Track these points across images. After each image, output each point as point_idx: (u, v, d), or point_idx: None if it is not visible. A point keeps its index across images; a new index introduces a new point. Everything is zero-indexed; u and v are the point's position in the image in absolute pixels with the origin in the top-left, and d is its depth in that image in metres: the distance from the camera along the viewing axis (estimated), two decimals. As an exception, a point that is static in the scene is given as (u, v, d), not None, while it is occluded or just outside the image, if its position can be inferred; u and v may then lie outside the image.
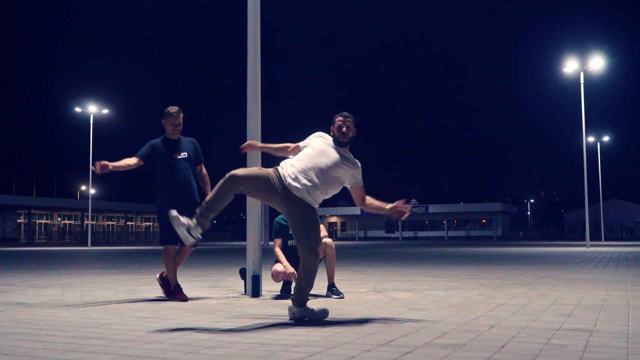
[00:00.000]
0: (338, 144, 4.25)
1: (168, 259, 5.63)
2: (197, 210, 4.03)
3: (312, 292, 6.14)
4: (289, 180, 4.08)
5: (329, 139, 4.31)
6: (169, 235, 5.51)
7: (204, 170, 5.91)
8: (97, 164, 5.24)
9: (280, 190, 4.07)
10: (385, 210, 4.26)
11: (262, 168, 4.25)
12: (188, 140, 5.84)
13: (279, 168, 4.19)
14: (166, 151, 5.66)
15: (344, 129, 4.26)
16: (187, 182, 5.65)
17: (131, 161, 5.61)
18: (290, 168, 4.13)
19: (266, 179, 4.06)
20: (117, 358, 2.87)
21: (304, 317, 4.10)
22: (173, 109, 5.75)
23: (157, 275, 5.87)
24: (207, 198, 4.05)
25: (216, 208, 4.00)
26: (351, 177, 4.25)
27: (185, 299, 5.47)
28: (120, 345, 3.18)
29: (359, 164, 4.31)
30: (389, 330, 3.69)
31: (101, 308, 4.97)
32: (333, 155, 4.19)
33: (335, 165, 4.15)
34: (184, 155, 5.71)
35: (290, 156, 4.40)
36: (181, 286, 5.68)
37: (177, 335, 3.50)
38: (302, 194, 4.07)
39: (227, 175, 3.96)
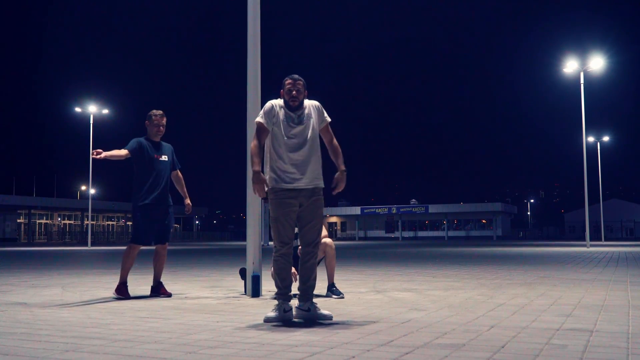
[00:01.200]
0: (289, 107, 4.19)
1: (128, 257, 5.75)
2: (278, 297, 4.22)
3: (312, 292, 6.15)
4: (289, 185, 4.11)
5: (275, 107, 4.23)
6: (141, 234, 5.71)
7: (180, 174, 6.09)
8: (95, 151, 5.48)
9: (297, 202, 4.14)
10: (338, 172, 4.25)
11: (279, 220, 4.17)
12: (167, 145, 6.00)
13: (271, 184, 4.16)
14: (150, 151, 5.78)
15: (294, 92, 4.17)
16: (165, 184, 5.81)
17: (121, 152, 5.73)
18: (277, 166, 4.15)
19: (289, 218, 4.14)
20: (117, 358, 2.87)
21: (309, 311, 4.10)
22: (158, 111, 5.90)
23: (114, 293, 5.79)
24: (276, 283, 4.25)
25: (287, 284, 4.21)
26: (315, 118, 4.25)
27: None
28: (120, 345, 3.18)
29: (315, 103, 4.28)
30: (389, 330, 3.69)
31: (101, 308, 4.97)
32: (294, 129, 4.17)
33: (305, 132, 4.16)
34: (165, 158, 5.87)
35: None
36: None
37: (177, 335, 3.50)
38: (309, 183, 4.14)
39: (278, 258, 4.18)
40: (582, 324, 3.86)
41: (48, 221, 64.65)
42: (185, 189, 6.11)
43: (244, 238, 15.09)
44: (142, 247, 5.93)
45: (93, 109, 36.31)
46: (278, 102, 4.26)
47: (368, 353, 2.95)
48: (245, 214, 6.33)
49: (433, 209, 72.37)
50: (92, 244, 38.71)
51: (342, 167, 4.26)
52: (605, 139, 48.52)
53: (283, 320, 4.01)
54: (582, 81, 26.72)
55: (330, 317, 4.11)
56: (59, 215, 65.99)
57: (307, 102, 4.29)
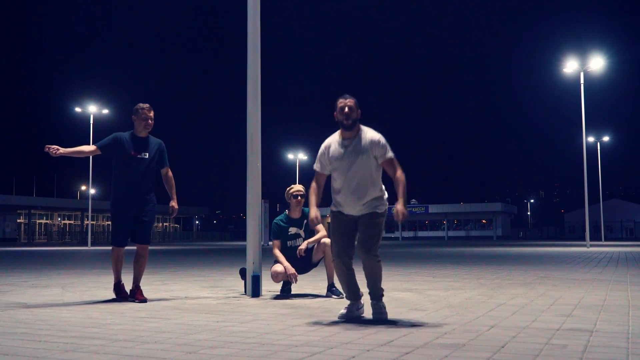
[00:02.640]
0: (343, 127, 4.23)
1: (113, 259, 5.64)
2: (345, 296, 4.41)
3: (312, 292, 6.15)
4: (348, 210, 4.24)
5: (331, 143, 4.30)
6: (119, 235, 5.53)
7: (170, 174, 5.76)
8: (47, 147, 5.25)
9: (353, 221, 4.25)
10: (397, 205, 4.22)
11: (336, 233, 4.31)
12: (155, 142, 5.67)
13: (333, 210, 4.34)
14: (127, 148, 5.50)
15: (346, 110, 4.20)
16: (140, 182, 5.49)
17: (86, 148, 5.56)
18: (335, 197, 4.29)
19: (347, 232, 4.25)
20: (117, 358, 2.87)
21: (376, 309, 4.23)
22: (145, 104, 5.61)
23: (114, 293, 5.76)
24: (342, 286, 4.37)
25: (353, 289, 4.30)
26: (375, 157, 4.22)
27: (145, 300, 5.46)
28: (120, 345, 3.18)
29: (375, 138, 4.22)
30: (389, 330, 3.69)
31: (101, 308, 4.97)
32: (347, 159, 4.19)
33: (357, 167, 4.17)
34: (144, 155, 5.54)
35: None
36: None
37: (177, 335, 3.50)
38: (367, 209, 4.20)
39: (339, 265, 4.25)
40: (582, 324, 3.86)
41: (48, 221, 64.64)
42: (173, 190, 5.74)
43: (244, 238, 15.08)
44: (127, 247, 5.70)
45: (93, 109, 36.30)
46: (331, 140, 4.33)
47: (368, 353, 2.95)
48: (245, 214, 6.33)
49: (433, 209, 72.36)
50: (92, 244, 38.70)
51: (402, 201, 4.19)
52: (605, 139, 48.51)
53: (352, 318, 4.22)
54: (582, 81, 26.72)
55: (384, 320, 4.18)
56: (59, 215, 65.97)
57: (365, 133, 4.25)
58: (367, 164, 4.16)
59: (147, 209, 5.56)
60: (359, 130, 4.25)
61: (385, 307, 4.25)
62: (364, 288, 4.28)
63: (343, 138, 4.24)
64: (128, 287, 5.81)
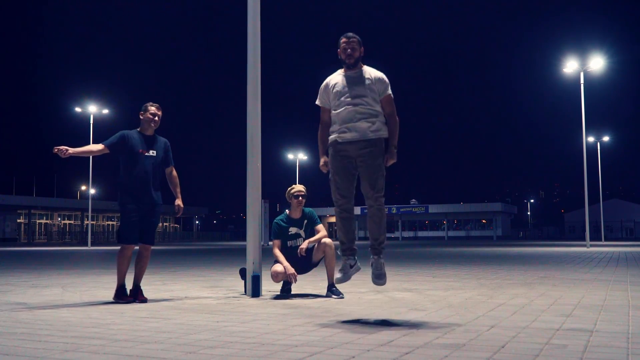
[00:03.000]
0: (346, 66, 4.30)
1: (122, 258, 5.52)
2: (339, 253, 4.48)
3: (312, 292, 6.15)
4: (343, 136, 4.23)
5: (332, 77, 4.39)
6: (128, 234, 5.45)
7: (174, 173, 5.77)
8: (56, 148, 5.25)
9: (352, 157, 4.23)
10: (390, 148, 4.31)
11: (337, 172, 4.32)
12: (161, 140, 5.70)
13: (330, 141, 4.33)
14: (134, 145, 5.50)
15: (349, 50, 4.27)
16: (148, 181, 5.49)
17: (94, 147, 5.56)
18: (334, 129, 4.29)
19: (346, 170, 4.24)
20: (117, 358, 2.87)
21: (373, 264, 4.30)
22: (153, 104, 5.64)
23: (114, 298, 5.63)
24: (340, 238, 4.40)
25: (350, 238, 4.39)
26: (378, 85, 4.28)
27: (145, 300, 5.41)
28: (120, 345, 3.18)
29: (379, 75, 4.30)
30: (389, 330, 3.69)
31: (101, 308, 4.97)
32: (347, 86, 4.26)
33: (358, 91, 4.22)
34: (152, 153, 5.55)
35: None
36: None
37: (177, 335, 3.50)
38: (363, 134, 4.19)
39: (340, 213, 4.33)
40: (582, 324, 3.86)
41: (48, 221, 64.64)
42: (178, 189, 5.77)
43: (244, 238, 15.06)
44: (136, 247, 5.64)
45: (93, 109, 36.30)
46: (333, 75, 4.41)
47: (368, 353, 2.95)
48: (245, 214, 6.33)
49: (433, 209, 72.33)
50: (92, 244, 38.70)
51: (394, 143, 4.32)
52: (605, 139, 48.50)
53: (350, 276, 4.35)
54: (582, 81, 26.71)
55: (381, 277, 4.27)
56: (59, 215, 65.97)
57: (371, 71, 4.34)
58: (369, 90, 4.23)
59: (156, 209, 5.55)
60: (361, 68, 4.33)
61: (385, 265, 4.34)
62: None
63: (346, 75, 4.32)
64: (128, 286, 5.79)
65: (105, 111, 37.15)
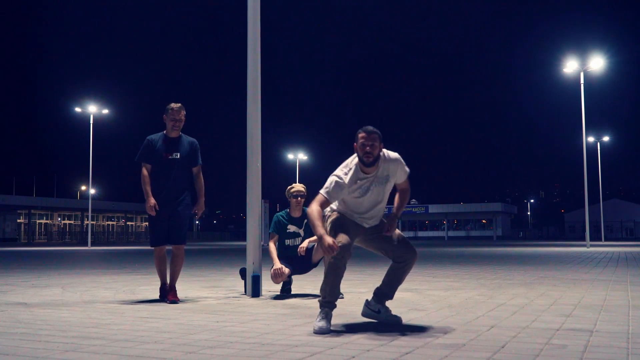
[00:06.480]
0: (363, 163, 3.85)
1: (156, 259, 5.64)
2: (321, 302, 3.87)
3: (312, 292, 6.15)
4: (366, 223, 4.04)
5: (349, 177, 3.87)
6: (158, 236, 5.48)
7: (199, 173, 5.68)
8: (150, 208, 5.37)
9: (362, 231, 4.04)
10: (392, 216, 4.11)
11: (337, 231, 3.88)
12: (187, 141, 5.62)
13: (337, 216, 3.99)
14: (158, 149, 5.48)
15: (368, 147, 3.80)
16: (173, 184, 5.46)
17: (145, 174, 5.47)
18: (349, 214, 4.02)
19: (355, 229, 3.96)
20: (117, 358, 2.87)
21: (378, 313, 4.06)
22: (175, 104, 5.54)
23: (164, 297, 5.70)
24: (325, 290, 3.81)
25: (338, 284, 3.86)
26: (400, 174, 4.03)
27: (176, 301, 5.39)
28: (120, 345, 3.18)
29: (395, 163, 3.96)
30: (389, 330, 3.69)
31: (101, 308, 4.96)
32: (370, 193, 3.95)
33: (374, 194, 3.96)
34: (175, 155, 5.50)
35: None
36: (176, 289, 5.59)
37: (177, 335, 3.50)
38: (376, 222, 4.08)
39: (338, 263, 3.71)
40: (582, 324, 3.86)
41: (48, 221, 64.64)
42: (201, 191, 5.63)
43: (244, 238, 15.08)
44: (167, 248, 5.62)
45: (93, 109, 36.32)
46: (344, 171, 3.90)
47: (368, 353, 2.95)
48: (245, 214, 6.33)
49: (433, 209, 72.38)
50: (92, 244, 38.70)
51: (398, 214, 4.11)
52: (605, 139, 48.52)
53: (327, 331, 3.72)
54: (582, 81, 26.72)
55: (399, 322, 4.01)
56: (59, 215, 65.97)
57: (385, 160, 3.94)
58: (384, 190, 4.00)
59: (179, 210, 5.49)
60: (377, 165, 3.91)
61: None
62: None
63: (363, 172, 3.91)
64: (128, 286, 5.80)
65: (105, 111, 37.18)
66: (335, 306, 3.84)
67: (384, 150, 3.96)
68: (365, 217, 4.02)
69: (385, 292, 4.11)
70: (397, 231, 4.17)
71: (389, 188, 4.03)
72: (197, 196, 5.65)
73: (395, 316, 4.07)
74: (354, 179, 3.87)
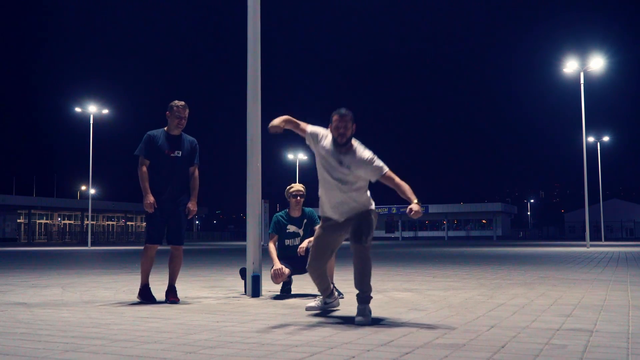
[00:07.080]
0: (336, 144, 4.21)
1: (144, 258, 5.51)
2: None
3: (312, 292, 6.15)
4: (335, 216, 4.35)
5: (328, 135, 4.29)
6: (151, 234, 5.43)
7: (196, 173, 5.63)
8: (149, 205, 5.36)
9: (340, 226, 4.35)
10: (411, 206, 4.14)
11: (318, 237, 4.49)
12: (188, 140, 5.59)
13: (320, 214, 4.53)
14: (160, 146, 5.43)
15: (342, 129, 4.16)
16: (172, 182, 5.43)
17: (144, 170, 5.42)
18: (325, 209, 4.39)
19: (332, 242, 4.45)
20: (117, 358, 2.87)
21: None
22: (179, 102, 5.48)
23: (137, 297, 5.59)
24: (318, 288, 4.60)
25: (325, 284, 4.59)
26: (369, 173, 4.21)
27: (176, 301, 5.35)
28: (120, 345, 3.18)
29: (366, 159, 4.17)
30: (389, 330, 3.69)
31: (101, 308, 4.96)
32: (337, 177, 4.21)
33: (345, 183, 4.21)
34: (177, 153, 5.46)
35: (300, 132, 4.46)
36: (176, 289, 5.57)
37: (177, 335, 3.50)
38: (352, 212, 4.27)
39: (310, 270, 4.48)
40: (582, 324, 3.86)
41: (48, 221, 64.63)
42: (194, 191, 5.57)
43: (244, 238, 15.08)
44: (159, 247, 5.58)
45: (93, 109, 36.31)
46: (326, 132, 4.32)
47: (368, 353, 2.95)
48: (245, 214, 6.33)
49: (433, 209, 72.30)
50: (92, 244, 38.70)
51: (412, 198, 4.14)
52: (605, 139, 48.51)
53: (325, 309, 4.60)
54: (582, 81, 26.72)
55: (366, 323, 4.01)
56: (59, 215, 65.97)
57: (359, 150, 4.22)
58: (349, 178, 4.19)
59: (179, 210, 5.46)
60: (351, 147, 4.23)
61: (371, 312, 4.05)
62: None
63: (337, 146, 4.23)
64: (128, 286, 5.79)
65: (105, 111, 37.16)
66: (330, 290, 4.61)
67: (361, 147, 4.24)
68: (338, 209, 4.29)
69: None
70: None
71: (354, 179, 4.20)
72: (190, 196, 5.58)
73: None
74: (328, 142, 4.26)
